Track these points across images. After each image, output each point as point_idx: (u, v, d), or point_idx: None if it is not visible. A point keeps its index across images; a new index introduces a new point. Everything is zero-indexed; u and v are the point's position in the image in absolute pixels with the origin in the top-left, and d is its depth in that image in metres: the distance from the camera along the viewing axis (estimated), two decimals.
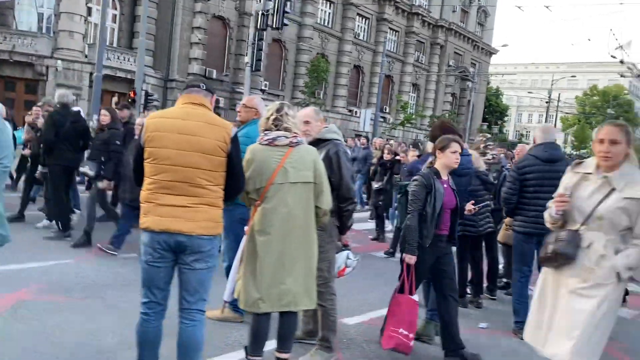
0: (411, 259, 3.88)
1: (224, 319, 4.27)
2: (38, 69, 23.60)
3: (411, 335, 3.90)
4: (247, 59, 19.96)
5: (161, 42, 27.22)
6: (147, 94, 19.26)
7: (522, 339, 3.41)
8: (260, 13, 18.26)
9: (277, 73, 32.87)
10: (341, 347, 4.07)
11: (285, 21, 21.52)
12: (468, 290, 5.82)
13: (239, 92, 27.44)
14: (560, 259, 2.85)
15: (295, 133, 3.28)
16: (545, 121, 49.38)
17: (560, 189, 2.99)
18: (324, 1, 35.72)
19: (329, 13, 36.20)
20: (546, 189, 4.09)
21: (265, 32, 19.11)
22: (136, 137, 6.09)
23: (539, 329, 2.96)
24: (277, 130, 3.24)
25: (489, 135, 8.08)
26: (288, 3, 19.05)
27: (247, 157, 3.23)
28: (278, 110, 3.28)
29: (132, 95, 18.14)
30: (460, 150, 4.08)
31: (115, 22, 26.55)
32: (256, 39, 19.04)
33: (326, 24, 35.86)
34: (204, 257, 2.93)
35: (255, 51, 19.24)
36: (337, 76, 36.41)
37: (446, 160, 4.02)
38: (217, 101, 26.45)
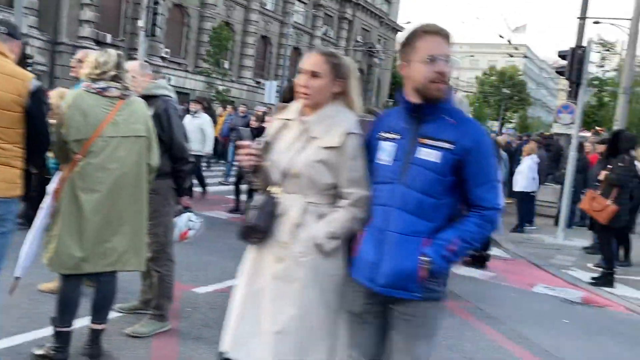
0: None
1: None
2: None
3: None
4: (141, 23, 18.83)
5: (47, 1, 24.99)
6: (25, 57, 17.63)
7: None
8: None
9: (178, 40, 31.39)
10: (182, 316, 3.91)
11: None
12: None
13: (135, 59, 25.94)
14: (252, 234, 2.14)
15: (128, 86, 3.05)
16: None
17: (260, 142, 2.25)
18: None
19: None
20: None
21: None
22: None
23: (238, 331, 2.16)
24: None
25: None
26: None
27: (68, 102, 2.93)
28: (117, 66, 3.01)
29: None
30: None
31: None
32: (151, 3, 18.00)
33: None
34: None
35: (151, 15, 18.20)
36: (243, 46, 35.49)
37: None
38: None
